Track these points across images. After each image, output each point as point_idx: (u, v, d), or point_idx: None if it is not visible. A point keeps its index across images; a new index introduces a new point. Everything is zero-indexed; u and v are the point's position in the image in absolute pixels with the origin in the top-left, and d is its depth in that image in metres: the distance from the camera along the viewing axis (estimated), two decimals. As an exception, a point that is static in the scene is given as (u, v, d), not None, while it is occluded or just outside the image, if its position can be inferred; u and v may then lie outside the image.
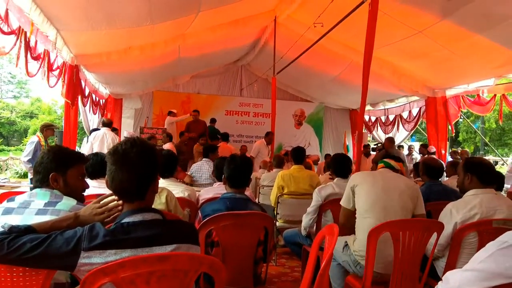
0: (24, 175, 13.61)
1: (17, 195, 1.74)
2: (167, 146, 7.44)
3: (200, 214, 2.33)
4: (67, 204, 1.67)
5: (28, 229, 1.32)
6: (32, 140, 5.68)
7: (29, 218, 1.55)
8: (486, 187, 2.33)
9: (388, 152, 7.35)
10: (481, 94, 7.07)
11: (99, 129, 7.16)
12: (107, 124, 6.85)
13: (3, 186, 6.34)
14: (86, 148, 7.01)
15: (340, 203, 2.65)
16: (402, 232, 2.14)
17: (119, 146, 1.37)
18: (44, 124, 5.98)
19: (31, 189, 1.78)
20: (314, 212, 3.21)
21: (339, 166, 3.42)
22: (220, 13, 6.32)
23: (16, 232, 1.27)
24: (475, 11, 4.90)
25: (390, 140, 7.94)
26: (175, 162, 3.24)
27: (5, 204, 1.65)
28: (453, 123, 8.09)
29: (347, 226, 2.58)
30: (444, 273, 1.16)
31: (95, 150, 6.33)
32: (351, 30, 6.07)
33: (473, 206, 2.25)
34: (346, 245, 2.57)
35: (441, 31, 5.55)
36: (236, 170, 2.38)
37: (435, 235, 2.18)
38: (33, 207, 1.62)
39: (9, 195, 2.98)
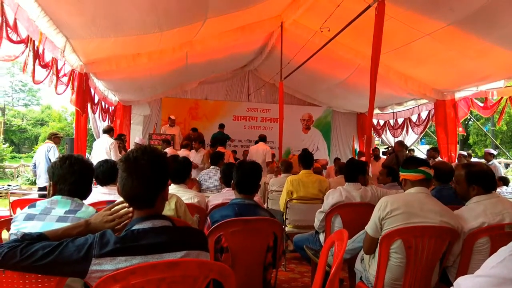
0: (35, 182, 13.78)
1: (31, 202, 1.77)
2: (167, 151, 7.43)
3: (209, 220, 2.34)
4: (87, 212, 1.70)
5: (40, 237, 1.33)
6: (53, 145, 6.09)
7: (50, 225, 1.59)
8: (489, 193, 2.31)
9: (398, 156, 7.30)
10: (490, 97, 7.00)
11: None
12: (106, 131, 6.95)
13: (15, 193, 6.45)
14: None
15: (366, 229, 2.36)
16: (415, 239, 2.10)
17: (130, 154, 1.38)
18: (53, 133, 6.37)
19: (49, 195, 1.82)
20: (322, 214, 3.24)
21: (349, 171, 3.40)
22: (227, 19, 6.37)
23: (28, 239, 1.29)
24: (480, 18, 4.89)
25: (400, 144, 7.87)
26: (189, 169, 3.25)
27: (27, 210, 1.70)
28: (461, 121, 8.02)
29: (372, 252, 2.37)
30: (455, 279, 1.15)
31: (94, 157, 6.48)
32: (358, 34, 6.07)
33: (478, 214, 2.22)
34: (362, 259, 2.53)
35: (448, 36, 5.53)
36: (244, 176, 2.38)
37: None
38: (54, 214, 1.66)
39: (21, 203, 3.03)
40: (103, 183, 2.89)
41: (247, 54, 10.25)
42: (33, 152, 22.49)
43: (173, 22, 5.59)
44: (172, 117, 9.99)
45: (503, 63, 5.95)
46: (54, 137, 6.20)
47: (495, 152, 8.00)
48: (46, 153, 5.96)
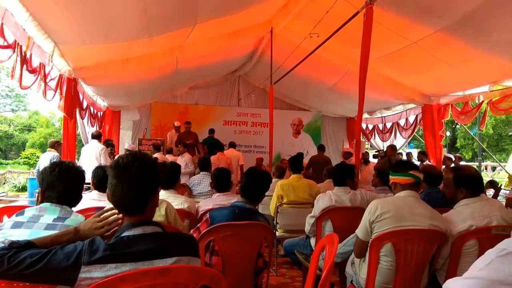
0: (23, 189, 13.56)
1: (18, 209, 1.74)
2: (156, 156, 7.44)
3: (208, 216, 2.35)
4: (76, 220, 1.68)
5: (28, 244, 1.31)
6: (57, 155, 5.97)
7: (38, 233, 1.56)
8: (476, 196, 2.34)
9: (390, 160, 7.38)
10: (477, 101, 7.12)
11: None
12: (96, 136, 6.89)
13: (1, 200, 6.34)
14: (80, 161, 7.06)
15: (356, 232, 2.38)
16: (405, 242, 2.11)
17: (120, 160, 1.37)
18: (55, 141, 6.27)
19: (37, 202, 1.79)
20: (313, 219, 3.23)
21: (337, 175, 3.42)
22: (217, 25, 6.37)
23: (16, 247, 1.26)
24: (466, 25, 4.99)
25: (393, 148, 7.97)
26: (177, 174, 3.24)
27: (14, 218, 1.67)
28: (447, 124, 8.19)
29: (362, 256, 2.38)
30: (444, 281, 1.16)
31: (83, 163, 6.40)
32: (347, 40, 6.13)
33: (466, 217, 2.24)
34: (353, 262, 2.54)
35: (435, 43, 5.62)
36: (250, 182, 2.41)
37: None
38: (43, 222, 1.63)
39: (8, 210, 2.97)
40: (99, 188, 2.88)
41: (237, 59, 10.27)
42: (20, 159, 22.16)
43: (163, 27, 5.57)
44: (176, 123, 10.00)
45: (488, 68, 6.07)
46: (57, 145, 6.12)
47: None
48: (52, 160, 5.83)
